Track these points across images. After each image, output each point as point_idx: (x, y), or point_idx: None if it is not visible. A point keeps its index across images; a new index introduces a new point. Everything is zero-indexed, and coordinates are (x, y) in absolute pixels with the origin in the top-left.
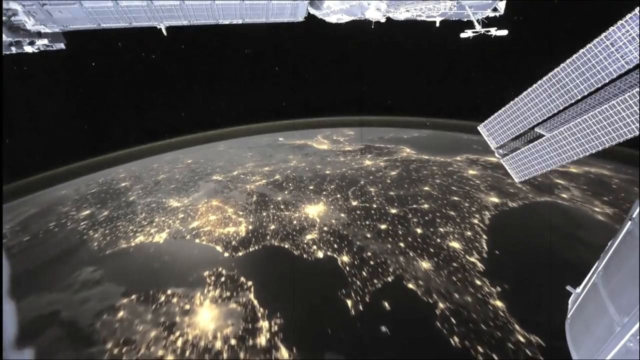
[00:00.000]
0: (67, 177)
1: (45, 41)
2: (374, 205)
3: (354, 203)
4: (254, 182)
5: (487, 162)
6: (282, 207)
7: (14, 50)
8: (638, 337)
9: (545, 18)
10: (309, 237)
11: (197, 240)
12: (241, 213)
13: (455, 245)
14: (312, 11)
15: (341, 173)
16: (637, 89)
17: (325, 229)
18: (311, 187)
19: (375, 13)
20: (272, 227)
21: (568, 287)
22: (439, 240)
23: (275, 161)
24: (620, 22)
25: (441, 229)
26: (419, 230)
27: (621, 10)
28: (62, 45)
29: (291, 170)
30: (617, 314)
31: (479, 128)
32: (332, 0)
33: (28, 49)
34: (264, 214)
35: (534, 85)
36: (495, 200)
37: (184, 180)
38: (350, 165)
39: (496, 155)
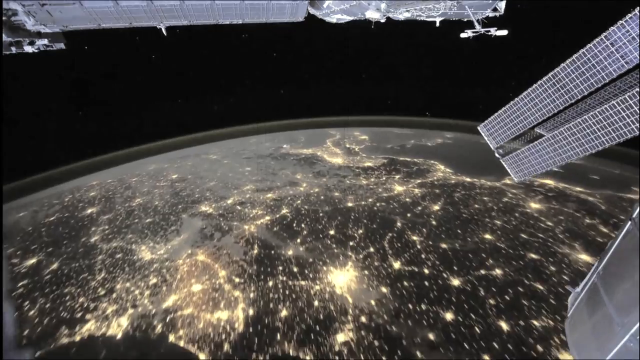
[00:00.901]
0: (39, 185)
1: (45, 41)
2: (426, 271)
3: (396, 265)
4: (254, 219)
5: (545, 188)
6: (295, 269)
7: (14, 50)
8: (638, 337)
9: (545, 18)
10: (341, 338)
11: (171, 338)
12: (237, 280)
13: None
14: (312, 11)
15: (368, 206)
16: (637, 89)
17: (364, 320)
18: (332, 232)
19: (375, 13)
20: (284, 313)
21: (568, 287)
22: (539, 347)
23: (281, 182)
24: (620, 22)
25: (535, 323)
26: (504, 326)
27: (621, 10)
28: (62, 45)
29: (302, 199)
30: (617, 314)
31: (479, 128)
32: (332, 0)
33: (28, 49)
34: (270, 283)
35: (534, 85)
36: (587, 259)
37: (164, 212)
38: (377, 193)
39: (496, 155)
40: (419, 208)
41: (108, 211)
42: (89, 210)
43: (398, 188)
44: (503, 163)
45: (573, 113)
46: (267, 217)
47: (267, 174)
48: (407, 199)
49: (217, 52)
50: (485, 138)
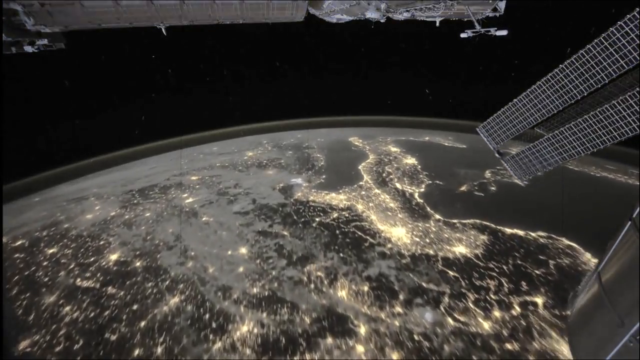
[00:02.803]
0: None
1: (45, 41)
2: None
3: None
4: None
5: None
6: None
7: (14, 50)
8: (638, 337)
9: (545, 18)
10: None
11: None
12: None
13: None
14: (312, 11)
15: None
16: (638, 89)
17: None
18: None
19: (375, 13)
20: None
21: (566, 286)
22: None
23: (310, 317)
24: (620, 22)
25: None
26: None
27: (621, 10)
28: (62, 45)
29: None
30: (617, 314)
31: (477, 129)
32: (332, 0)
33: (28, 49)
34: None
35: (534, 86)
36: None
37: None
38: None
39: (496, 155)
40: None
41: None
42: None
43: None
44: (504, 163)
45: (573, 113)
46: None
47: (279, 279)
48: None
49: (211, 51)
50: (485, 139)
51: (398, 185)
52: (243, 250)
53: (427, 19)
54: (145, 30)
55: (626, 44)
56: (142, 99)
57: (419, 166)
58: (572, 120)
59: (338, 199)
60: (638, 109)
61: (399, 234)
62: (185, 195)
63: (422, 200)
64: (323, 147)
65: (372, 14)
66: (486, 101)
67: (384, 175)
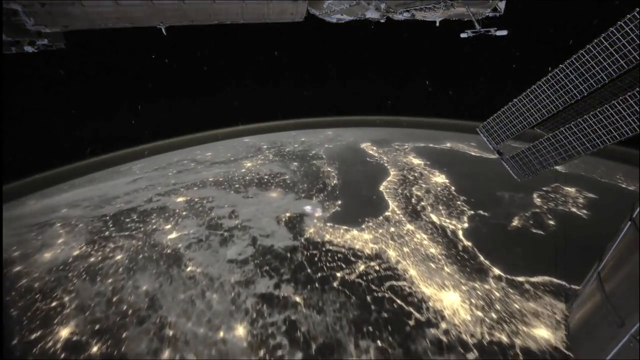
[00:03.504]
0: None
1: (45, 41)
2: None
3: None
4: None
5: None
6: None
7: (13, 50)
8: (638, 337)
9: (545, 18)
10: None
11: None
12: None
13: None
14: (312, 11)
15: None
16: (638, 89)
17: None
18: None
19: (375, 13)
20: None
21: (568, 287)
22: None
23: None
24: (620, 22)
25: None
26: None
27: (621, 10)
28: (62, 45)
29: None
30: (617, 314)
31: (478, 129)
32: (332, 0)
33: (28, 49)
34: None
35: (534, 86)
36: None
37: None
38: None
39: (496, 155)
40: None
41: None
42: None
43: None
44: (504, 163)
45: (573, 112)
46: None
47: None
48: None
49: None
50: (485, 139)
51: (434, 218)
52: (240, 331)
53: (427, 19)
54: (146, 30)
55: (626, 44)
56: (136, 100)
57: (453, 187)
58: (572, 120)
59: (362, 239)
60: (638, 109)
61: (453, 302)
62: (169, 226)
63: (470, 244)
64: (333, 156)
65: (372, 14)
66: (487, 101)
67: (413, 201)
